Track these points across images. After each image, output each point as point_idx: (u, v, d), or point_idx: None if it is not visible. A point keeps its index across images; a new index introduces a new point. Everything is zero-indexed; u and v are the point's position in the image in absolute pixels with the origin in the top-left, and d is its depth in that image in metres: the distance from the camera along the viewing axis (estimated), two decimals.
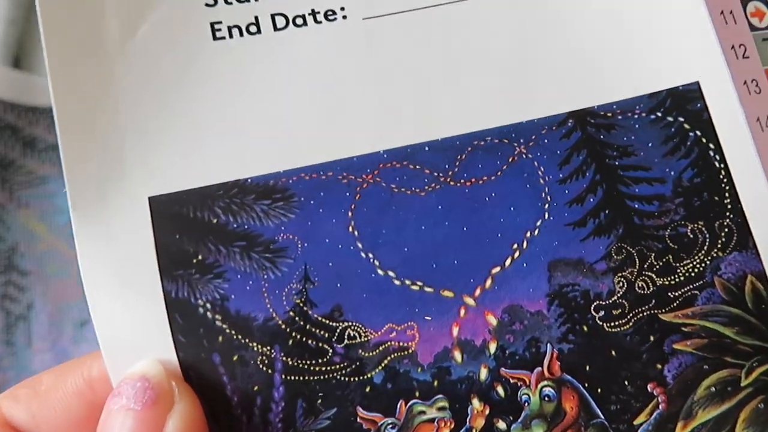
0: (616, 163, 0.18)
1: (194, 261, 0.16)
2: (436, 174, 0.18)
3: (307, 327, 0.16)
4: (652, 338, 0.17)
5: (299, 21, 0.18)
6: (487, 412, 0.16)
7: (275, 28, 0.18)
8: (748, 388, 0.17)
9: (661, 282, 0.17)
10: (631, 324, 0.17)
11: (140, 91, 0.17)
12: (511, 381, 0.17)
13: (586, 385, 0.17)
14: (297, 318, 0.16)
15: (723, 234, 0.18)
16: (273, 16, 0.18)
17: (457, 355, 0.17)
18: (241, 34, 0.18)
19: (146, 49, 0.17)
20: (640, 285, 0.17)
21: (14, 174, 0.32)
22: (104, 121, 0.17)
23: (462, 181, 0.18)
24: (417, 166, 0.18)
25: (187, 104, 0.17)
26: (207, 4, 0.18)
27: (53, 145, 0.32)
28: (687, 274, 0.17)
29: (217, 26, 0.18)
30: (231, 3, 0.18)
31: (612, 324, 0.17)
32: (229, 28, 0.18)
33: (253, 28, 0.18)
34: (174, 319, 0.16)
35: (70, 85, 0.17)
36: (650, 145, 0.18)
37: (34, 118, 0.32)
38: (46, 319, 0.30)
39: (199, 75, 0.17)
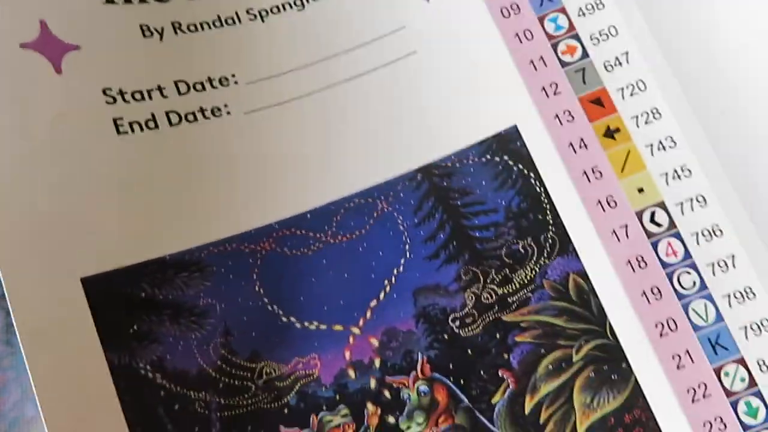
0: (458, 202, 0.23)
1: (131, 331, 0.21)
2: (318, 235, 0.23)
3: (233, 371, 0.22)
4: (498, 336, 0.22)
5: (191, 117, 0.23)
6: (379, 412, 0.22)
7: (170, 124, 0.23)
8: (580, 362, 0.22)
9: (501, 291, 0.22)
10: (480, 328, 0.22)
11: (65, 179, 0.21)
12: (394, 385, 0.22)
13: (452, 378, 0.22)
14: (224, 365, 0.21)
15: (548, 245, 0.23)
16: (167, 113, 0.23)
17: (351, 373, 0.22)
18: (141, 129, 0.22)
19: (60, 141, 0.21)
20: (485, 296, 0.22)
21: None
22: (31, 206, 0.20)
23: (339, 237, 0.23)
24: (302, 231, 0.23)
25: (106, 190, 0.21)
26: (107, 102, 0.22)
27: None
28: (521, 282, 0.23)
29: (119, 122, 0.22)
30: (128, 102, 0.22)
31: (466, 330, 0.22)
32: (130, 124, 0.22)
33: (151, 124, 0.22)
34: (119, 384, 0.20)
35: None
36: (484, 183, 0.23)
37: None
38: None
39: (109, 166, 0.21)
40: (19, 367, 0.29)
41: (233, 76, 0.23)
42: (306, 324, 0.22)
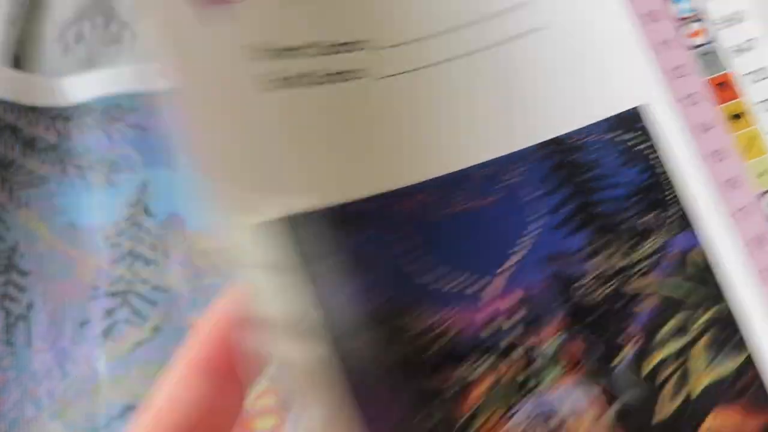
0: (584, 177, 0.24)
1: None
2: (450, 201, 0.24)
3: None
4: (620, 304, 0.24)
5: (331, 78, 0.23)
6: (513, 368, 0.23)
7: (312, 84, 0.23)
8: (699, 329, 0.23)
9: (624, 263, 0.24)
10: (602, 297, 0.24)
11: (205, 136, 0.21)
12: (527, 344, 0.24)
13: (578, 341, 0.23)
14: None
15: (669, 222, 0.24)
16: (310, 73, 0.23)
17: (484, 332, 0.24)
18: (284, 88, 0.22)
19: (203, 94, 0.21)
20: (608, 267, 0.24)
21: (14, 174, 0.31)
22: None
23: (470, 203, 0.24)
24: (435, 196, 0.24)
25: (245, 148, 0.21)
26: (253, 58, 0.22)
27: (53, 145, 0.32)
28: (644, 254, 0.24)
29: (263, 79, 0.22)
30: (273, 58, 0.22)
31: (589, 298, 0.24)
32: (273, 81, 0.22)
33: (293, 83, 0.22)
34: None
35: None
36: (610, 159, 0.24)
37: (34, 118, 0.32)
38: (46, 319, 0.30)
39: (249, 124, 0.22)
40: (19, 367, 0.30)
41: (372, 39, 0.24)
42: (440, 285, 0.24)
